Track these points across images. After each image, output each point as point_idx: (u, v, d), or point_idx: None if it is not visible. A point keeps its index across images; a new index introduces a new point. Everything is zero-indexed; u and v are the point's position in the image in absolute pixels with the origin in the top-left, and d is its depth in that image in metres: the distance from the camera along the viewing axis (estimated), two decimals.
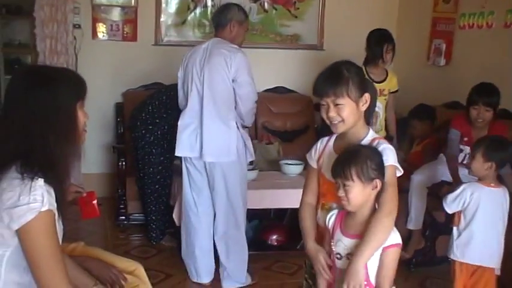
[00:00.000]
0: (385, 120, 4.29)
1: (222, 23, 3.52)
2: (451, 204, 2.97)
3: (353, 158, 1.99)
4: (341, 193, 2.00)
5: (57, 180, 1.70)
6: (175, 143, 4.24)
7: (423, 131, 4.49)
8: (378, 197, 2.03)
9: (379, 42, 4.12)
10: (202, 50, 3.47)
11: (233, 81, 3.40)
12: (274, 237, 4.22)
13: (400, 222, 3.91)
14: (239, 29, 3.54)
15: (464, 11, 4.78)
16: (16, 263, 1.70)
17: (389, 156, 2.04)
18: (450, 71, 4.98)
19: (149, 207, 4.30)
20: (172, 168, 4.28)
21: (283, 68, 5.57)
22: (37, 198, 1.62)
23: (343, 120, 2.07)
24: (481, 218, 2.92)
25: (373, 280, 2.01)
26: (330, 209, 2.13)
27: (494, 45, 4.46)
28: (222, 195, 3.50)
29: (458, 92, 4.70)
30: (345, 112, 2.05)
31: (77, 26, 4.99)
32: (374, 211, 2.03)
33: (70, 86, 1.76)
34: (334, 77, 2.07)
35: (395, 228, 2.02)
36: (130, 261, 2.44)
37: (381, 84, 4.12)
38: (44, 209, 1.63)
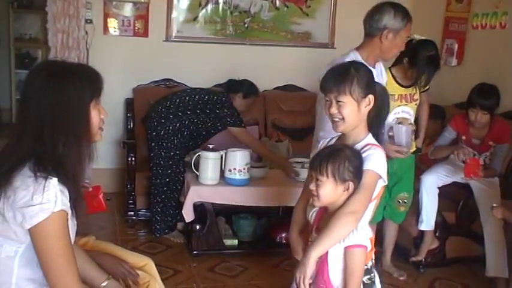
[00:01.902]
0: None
1: (370, 32, 2.80)
2: None
3: (332, 155, 1.99)
4: (312, 187, 2.01)
5: (70, 180, 1.69)
6: (185, 140, 4.27)
7: (434, 131, 4.47)
8: None
9: (428, 65, 3.52)
10: None
11: None
12: (283, 235, 4.20)
13: (413, 224, 3.92)
14: (394, 40, 2.76)
15: (477, 11, 4.75)
16: (29, 259, 1.70)
17: (372, 161, 2.02)
18: (462, 71, 4.95)
19: (155, 199, 4.29)
20: (183, 165, 4.28)
21: (294, 66, 5.56)
22: (50, 198, 1.62)
23: (343, 119, 2.07)
24: None
25: (336, 281, 1.98)
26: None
27: (507, 46, 4.43)
28: None
29: None
30: (346, 110, 2.06)
31: (88, 21, 4.99)
32: None
33: (83, 85, 1.72)
34: (340, 74, 2.09)
35: (361, 230, 1.98)
36: (141, 257, 2.44)
37: (410, 88, 3.59)
38: (56, 209, 1.62)
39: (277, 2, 5.44)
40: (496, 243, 3.51)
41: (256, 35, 5.46)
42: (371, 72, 2.17)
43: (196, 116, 4.24)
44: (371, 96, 2.10)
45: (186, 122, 4.23)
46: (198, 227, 3.96)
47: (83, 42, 4.93)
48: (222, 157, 3.95)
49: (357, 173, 1.98)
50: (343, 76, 2.07)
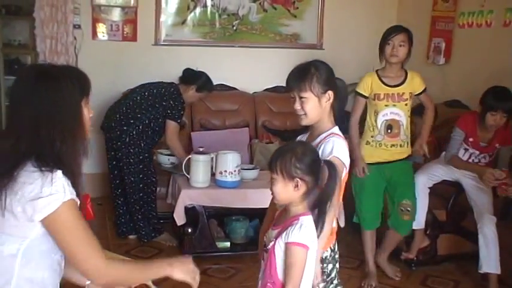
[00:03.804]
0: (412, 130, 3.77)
1: None
2: None
3: (282, 153, 2.02)
4: (269, 184, 2.04)
5: (69, 175, 1.72)
6: (152, 141, 4.26)
7: (420, 127, 4.46)
8: (306, 198, 2.01)
9: (383, 36, 3.60)
10: None
11: None
12: None
13: None
14: None
15: (463, 10, 4.80)
16: (30, 259, 1.71)
17: (335, 149, 2.17)
18: (450, 69, 4.99)
19: (134, 207, 4.26)
20: (154, 166, 4.31)
21: (283, 68, 5.46)
22: (59, 189, 1.65)
23: (306, 114, 2.26)
24: None
25: (281, 275, 1.98)
26: None
27: (493, 44, 4.47)
28: None
29: (458, 90, 4.73)
30: (308, 106, 2.25)
31: (77, 26, 4.99)
32: (304, 211, 2.00)
33: (74, 84, 1.76)
34: (301, 72, 2.27)
35: (309, 229, 1.96)
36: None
37: (397, 88, 3.59)
38: (66, 199, 1.66)
39: (265, 4, 5.46)
40: (490, 240, 3.53)
41: (244, 37, 5.48)
42: (330, 69, 2.33)
43: (151, 113, 4.20)
44: (330, 92, 2.27)
45: (147, 121, 4.20)
46: (189, 230, 3.96)
47: (72, 47, 4.92)
48: (212, 159, 3.95)
49: (308, 169, 1.98)
50: (304, 74, 2.25)
